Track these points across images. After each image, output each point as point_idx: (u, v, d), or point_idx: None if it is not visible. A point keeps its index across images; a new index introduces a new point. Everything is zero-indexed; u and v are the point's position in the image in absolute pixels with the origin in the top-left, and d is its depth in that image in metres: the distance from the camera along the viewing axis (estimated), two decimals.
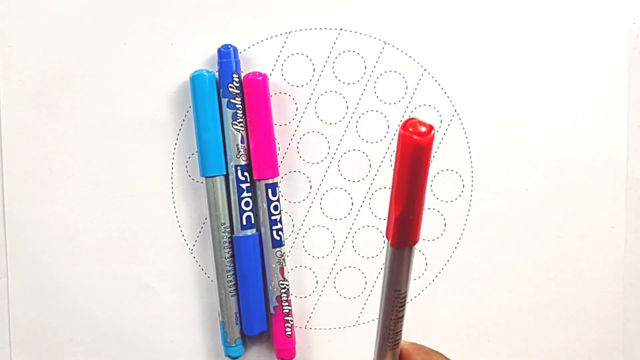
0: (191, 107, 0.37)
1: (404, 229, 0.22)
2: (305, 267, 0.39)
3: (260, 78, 0.36)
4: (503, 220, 0.38)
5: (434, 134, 0.20)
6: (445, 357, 0.31)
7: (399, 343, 0.27)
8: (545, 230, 0.38)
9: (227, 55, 0.36)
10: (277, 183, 0.37)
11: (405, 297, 0.25)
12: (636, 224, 0.38)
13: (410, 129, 0.19)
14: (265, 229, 0.37)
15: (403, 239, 0.23)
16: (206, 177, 0.37)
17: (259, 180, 0.37)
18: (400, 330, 0.26)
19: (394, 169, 0.21)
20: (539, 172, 0.38)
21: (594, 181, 0.38)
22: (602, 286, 0.38)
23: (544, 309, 0.39)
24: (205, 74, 0.36)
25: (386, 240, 0.23)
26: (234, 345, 0.38)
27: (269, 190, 0.37)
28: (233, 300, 0.38)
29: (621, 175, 0.38)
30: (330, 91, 0.38)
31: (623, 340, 0.39)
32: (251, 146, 0.37)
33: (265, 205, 0.37)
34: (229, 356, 0.38)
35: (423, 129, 0.19)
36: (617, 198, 0.38)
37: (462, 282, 0.39)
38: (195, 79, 0.36)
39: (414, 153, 0.20)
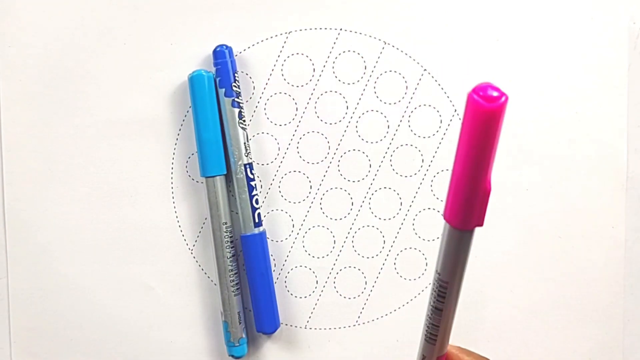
0: (191, 107, 0.37)
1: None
2: (305, 267, 0.39)
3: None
4: (503, 220, 0.38)
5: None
6: None
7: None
8: (545, 230, 0.38)
9: (223, 56, 0.36)
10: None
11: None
12: (636, 224, 0.38)
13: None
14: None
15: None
16: (206, 177, 0.37)
17: None
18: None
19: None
20: (539, 172, 0.38)
21: (594, 181, 0.38)
22: (602, 286, 0.38)
23: (544, 309, 0.39)
24: (204, 74, 0.36)
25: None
26: (237, 344, 0.38)
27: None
28: (236, 300, 0.37)
29: (621, 175, 0.38)
30: (330, 91, 0.38)
31: (623, 340, 0.39)
32: None
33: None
34: (232, 356, 0.38)
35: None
36: (617, 198, 0.38)
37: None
38: (194, 79, 0.36)
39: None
